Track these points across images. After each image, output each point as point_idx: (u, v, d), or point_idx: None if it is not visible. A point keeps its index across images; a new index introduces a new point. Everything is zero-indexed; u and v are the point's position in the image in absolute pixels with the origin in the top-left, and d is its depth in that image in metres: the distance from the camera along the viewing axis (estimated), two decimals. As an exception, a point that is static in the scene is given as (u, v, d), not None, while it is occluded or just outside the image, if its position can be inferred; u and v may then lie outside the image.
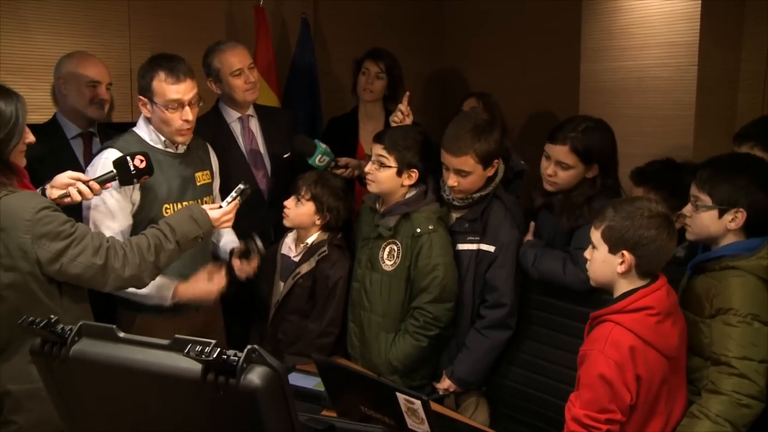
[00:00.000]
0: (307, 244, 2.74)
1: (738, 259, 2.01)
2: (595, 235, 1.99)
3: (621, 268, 1.94)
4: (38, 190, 2.18)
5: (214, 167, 2.68)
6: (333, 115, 3.74)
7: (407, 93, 2.90)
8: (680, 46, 3.10)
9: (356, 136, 3.53)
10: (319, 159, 2.82)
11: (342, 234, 2.80)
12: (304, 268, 2.70)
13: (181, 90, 2.36)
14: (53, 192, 2.16)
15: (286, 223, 2.75)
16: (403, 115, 2.84)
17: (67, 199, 2.15)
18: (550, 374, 2.47)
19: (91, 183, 2.18)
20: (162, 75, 2.35)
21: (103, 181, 2.22)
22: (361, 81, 3.47)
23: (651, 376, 1.88)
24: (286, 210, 2.74)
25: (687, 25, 3.07)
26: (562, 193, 2.49)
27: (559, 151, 2.44)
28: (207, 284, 2.44)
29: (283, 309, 2.74)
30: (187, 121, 2.39)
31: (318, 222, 2.73)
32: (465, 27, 4.65)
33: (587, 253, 2.05)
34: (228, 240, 2.73)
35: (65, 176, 2.18)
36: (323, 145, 2.84)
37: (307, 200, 2.70)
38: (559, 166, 2.45)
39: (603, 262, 1.98)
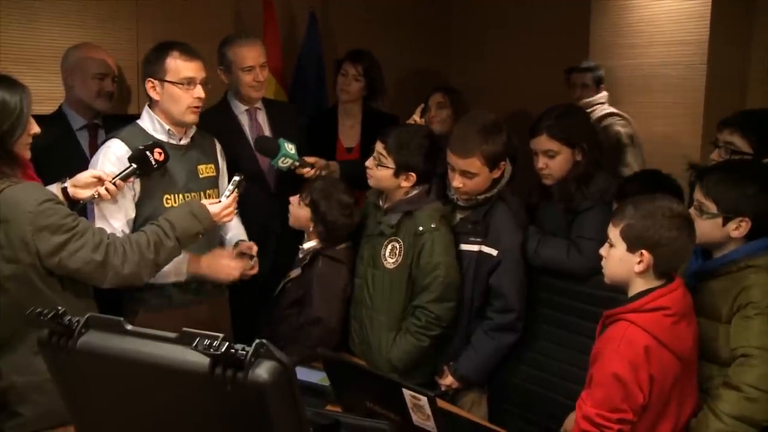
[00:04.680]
0: (303, 248, 2.71)
1: (756, 258, 1.98)
2: (613, 233, 1.95)
3: (639, 268, 1.90)
4: (54, 185, 2.18)
5: (220, 163, 2.67)
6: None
7: (421, 105, 2.95)
8: (690, 44, 3.08)
9: (335, 132, 3.59)
10: (281, 161, 2.78)
11: (347, 245, 2.70)
12: (293, 273, 2.67)
13: (195, 68, 2.42)
14: (79, 192, 2.19)
15: (290, 221, 2.74)
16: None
17: (96, 199, 2.20)
18: (555, 372, 2.46)
19: (116, 181, 2.22)
20: (176, 53, 2.40)
21: (126, 177, 2.26)
22: (339, 81, 3.54)
23: (664, 377, 1.86)
24: (289, 206, 2.73)
25: (697, 24, 3.06)
26: (559, 182, 2.54)
27: (541, 142, 2.53)
28: (226, 263, 2.49)
29: (278, 309, 2.71)
30: (199, 98, 2.43)
31: (312, 229, 2.67)
32: (472, 23, 4.63)
33: (603, 251, 2.01)
34: (235, 234, 2.72)
35: (87, 175, 2.21)
36: (288, 146, 2.77)
37: (306, 204, 2.66)
38: (546, 157, 2.53)
39: (620, 260, 1.93)
